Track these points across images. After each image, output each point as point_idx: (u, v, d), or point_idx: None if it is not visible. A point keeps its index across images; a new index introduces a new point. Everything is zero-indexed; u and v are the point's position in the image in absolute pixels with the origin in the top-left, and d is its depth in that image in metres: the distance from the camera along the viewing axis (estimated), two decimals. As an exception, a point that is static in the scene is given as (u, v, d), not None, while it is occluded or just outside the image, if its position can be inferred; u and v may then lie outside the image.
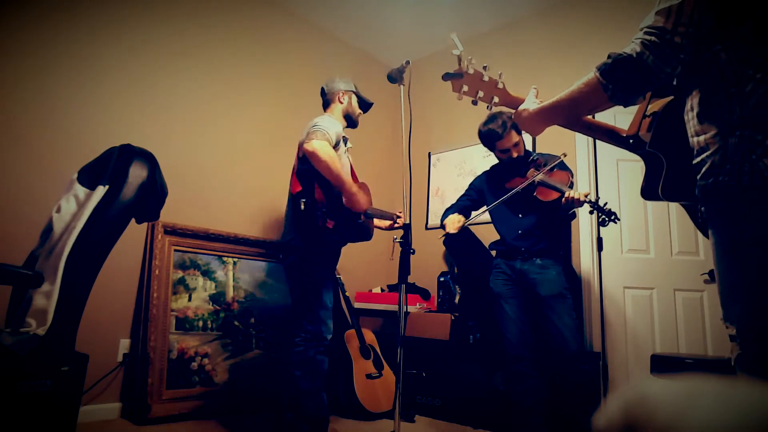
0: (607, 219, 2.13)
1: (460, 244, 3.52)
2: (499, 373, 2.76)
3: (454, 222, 2.45)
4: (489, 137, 2.42)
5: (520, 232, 2.44)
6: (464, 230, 3.52)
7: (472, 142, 3.85)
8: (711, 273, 2.74)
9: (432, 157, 4.14)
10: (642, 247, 2.95)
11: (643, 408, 0.42)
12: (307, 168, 2.15)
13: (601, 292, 2.97)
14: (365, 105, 2.55)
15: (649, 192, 1.37)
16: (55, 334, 1.39)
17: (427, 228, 3.99)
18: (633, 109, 1.41)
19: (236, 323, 2.95)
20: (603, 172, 3.09)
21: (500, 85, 1.34)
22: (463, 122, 3.98)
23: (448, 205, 3.89)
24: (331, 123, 2.24)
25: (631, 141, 1.36)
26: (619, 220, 2.15)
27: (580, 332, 2.81)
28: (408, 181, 2.18)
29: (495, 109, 2.04)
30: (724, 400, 0.39)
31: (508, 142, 2.40)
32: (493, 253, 2.63)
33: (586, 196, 2.16)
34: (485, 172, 2.72)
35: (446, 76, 1.33)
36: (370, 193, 2.43)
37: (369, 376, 2.91)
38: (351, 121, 2.49)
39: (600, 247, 3.03)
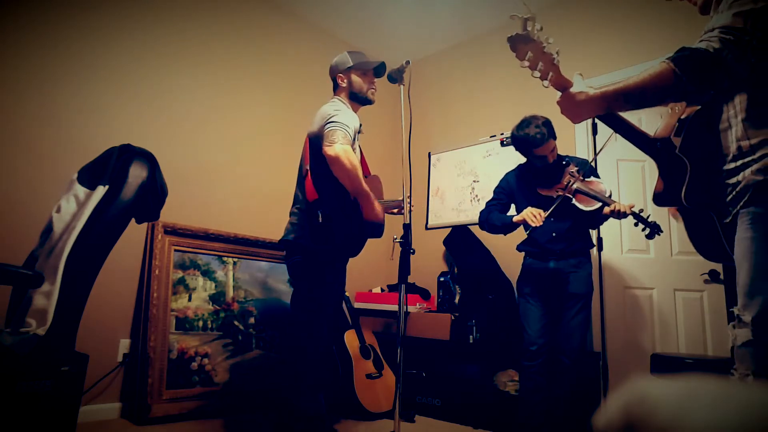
0: (653, 231, 2.13)
1: (460, 244, 3.53)
2: (498, 373, 2.76)
3: (537, 213, 2.22)
4: (526, 143, 2.32)
5: (554, 235, 2.40)
6: (464, 230, 3.54)
7: (472, 142, 3.85)
8: (711, 273, 2.74)
9: (432, 157, 4.14)
10: (642, 247, 2.94)
11: (643, 408, 0.42)
12: (323, 172, 2.05)
13: (601, 292, 2.96)
14: (375, 70, 2.28)
15: (665, 198, 1.36)
16: (55, 334, 1.39)
17: (427, 228, 3.99)
18: (637, 112, 1.40)
19: (236, 323, 2.94)
20: (603, 172, 3.09)
21: (556, 61, 1.23)
22: (463, 122, 3.99)
23: (449, 205, 3.94)
24: (348, 116, 2.09)
25: (658, 144, 1.35)
26: (662, 231, 2.15)
27: (590, 333, 2.81)
28: (408, 181, 2.17)
29: (528, 114, 1.93)
30: (724, 400, 0.39)
31: (546, 149, 2.32)
32: (522, 254, 2.58)
33: (631, 208, 2.16)
34: (513, 173, 2.61)
35: (515, 38, 1.18)
36: (381, 184, 2.41)
37: (369, 376, 2.90)
38: (361, 100, 2.27)
39: (600, 247, 3.03)
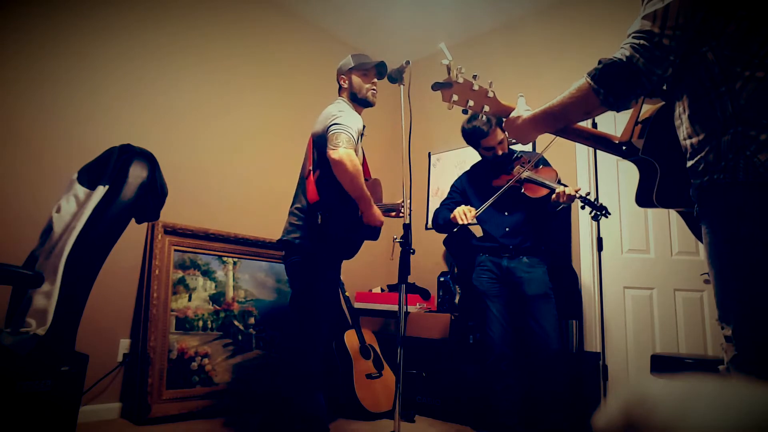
0: (598, 213, 2.15)
1: (459, 244, 3.53)
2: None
3: (466, 211, 2.28)
4: (473, 135, 2.41)
5: (507, 229, 2.44)
6: (464, 230, 3.53)
7: (472, 142, 3.86)
8: (711, 273, 2.74)
9: (432, 157, 4.14)
10: (642, 247, 2.94)
11: (643, 408, 0.42)
12: (326, 174, 2.05)
13: (601, 292, 2.97)
14: (377, 69, 2.28)
15: (643, 199, 1.38)
16: (55, 334, 1.39)
17: (427, 228, 3.99)
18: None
19: (236, 323, 2.94)
20: (603, 172, 3.09)
21: (490, 94, 1.33)
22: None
23: (448, 205, 3.93)
24: (352, 118, 2.09)
25: (624, 148, 1.37)
26: (609, 214, 2.16)
27: (564, 332, 2.79)
28: (408, 181, 2.17)
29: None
30: (724, 400, 0.39)
31: (493, 140, 2.39)
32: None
33: (576, 192, 2.18)
34: (465, 173, 2.70)
35: (436, 86, 1.33)
36: (381, 188, 2.41)
37: (369, 376, 2.90)
38: (361, 101, 2.26)
39: (600, 247, 3.03)
